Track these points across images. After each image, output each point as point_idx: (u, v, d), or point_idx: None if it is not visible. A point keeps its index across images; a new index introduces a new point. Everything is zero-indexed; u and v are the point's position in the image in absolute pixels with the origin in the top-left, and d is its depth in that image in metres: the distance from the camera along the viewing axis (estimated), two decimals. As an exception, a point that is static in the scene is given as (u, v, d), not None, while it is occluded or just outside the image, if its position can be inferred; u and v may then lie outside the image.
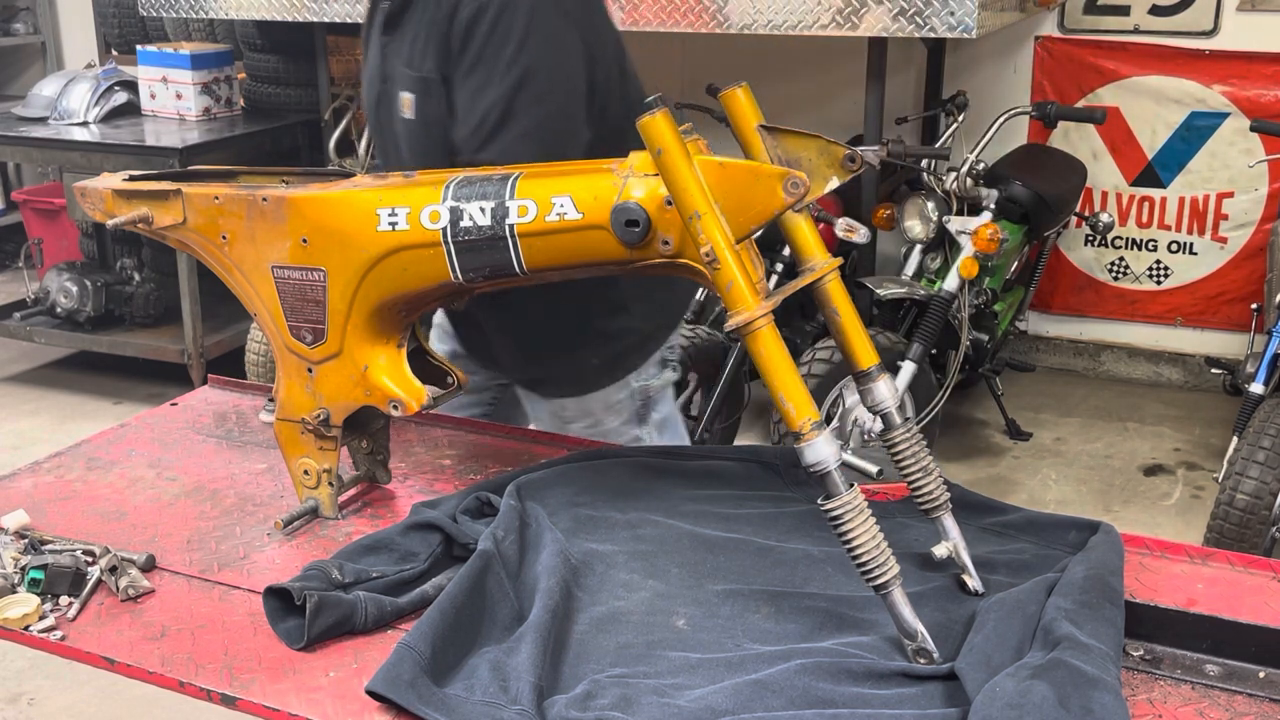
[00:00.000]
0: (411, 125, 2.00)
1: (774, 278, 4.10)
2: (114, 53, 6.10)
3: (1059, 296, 5.30)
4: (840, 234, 3.77)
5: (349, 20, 4.47)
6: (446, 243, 1.54)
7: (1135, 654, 1.41)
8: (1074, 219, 4.96)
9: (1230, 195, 4.94)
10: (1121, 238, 5.14)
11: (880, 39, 3.87)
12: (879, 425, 1.56)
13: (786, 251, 3.96)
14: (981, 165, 4.13)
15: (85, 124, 5.10)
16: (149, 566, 1.63)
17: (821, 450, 1.35)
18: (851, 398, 3.82)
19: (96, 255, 5.30)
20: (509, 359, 2.21)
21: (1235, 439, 3.47)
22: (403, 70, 2.00)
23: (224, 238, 1.71)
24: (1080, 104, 4.98)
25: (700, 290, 4.35)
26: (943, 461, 4.07)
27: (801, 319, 4.47)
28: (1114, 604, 1.40)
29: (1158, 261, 5.13)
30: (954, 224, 4.02)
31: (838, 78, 5.15)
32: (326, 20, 4.48)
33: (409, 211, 1.56)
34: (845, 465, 1.41)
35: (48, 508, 1.81)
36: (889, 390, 1.52)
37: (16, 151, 5.15)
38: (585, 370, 2.15)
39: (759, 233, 1.43)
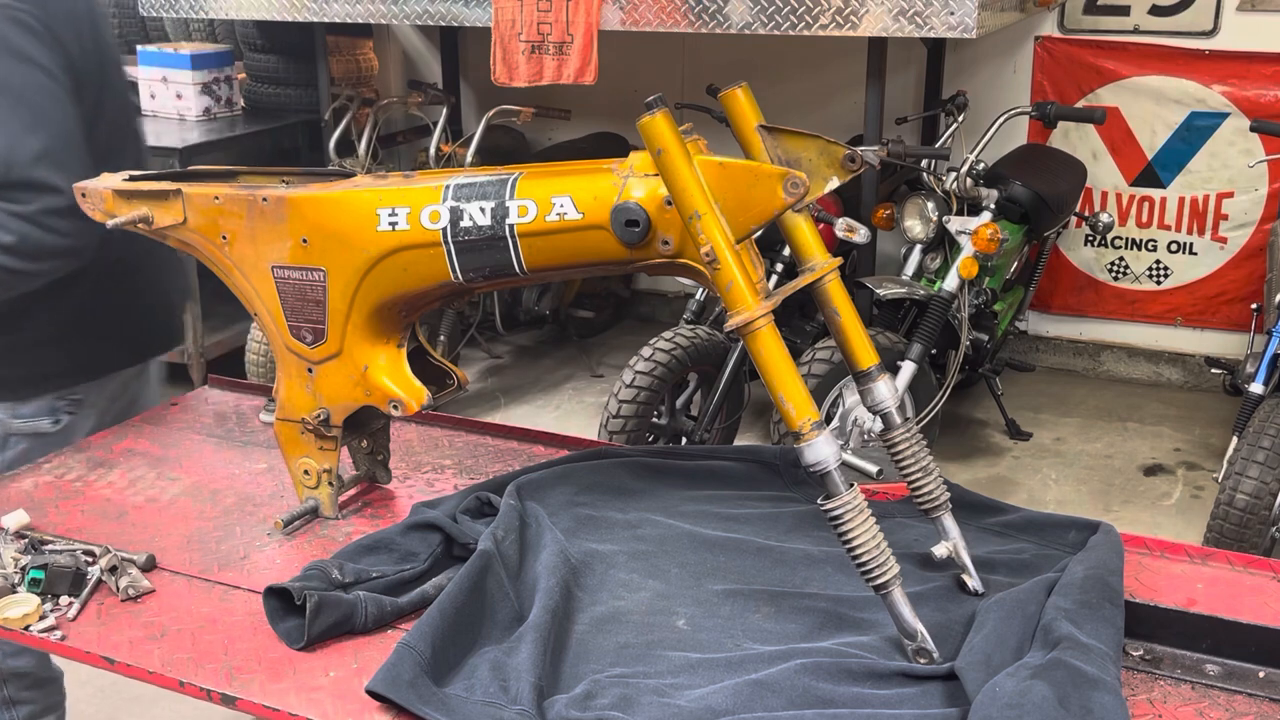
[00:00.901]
0: None
1: (774, 278, 4.10)
2: (114, 53, 6.09)
3: (1059, 296, 5.30)
4: (840, 234, 3.77)
5: (349, 20, 4.47)
6: (446, 243, 1.54)
7: (1135, 654, 1.41)
8: (1074, 219, 4.96)
9: (1230, 195, 4.94)
10: (1121, 238, 5.14)
11: (880, 39, 3.87)
12: (879, 425, 1.56)
13: (786, 251, 3.96)
14: (981, 165, 4.13)
15: (85, 124, 5.09)
16: (149, 566, 1.63)
17: (821, 450, 1.35)
18: (851, 398, 3.82)
19: (96, 255, 5.29)
20: None
21: (1235, 439, 3.48)
22: None
23: (224, 238, 1.71)
24: (1080, 104, 4.98)
25: (702, 289, 4.37)
26: (943, 461, 4.07)
27: (801, 319, 4.47)
28: (1114, 604, 1.40)
29: (1157, 261, 5.13)
30: (954, 224, 4.02)
31: (838, 78, 5.15)
32: (326, 20, 4.48)
33: (409, 211, 1.56)
34: (845, 465, 1.41)
35: (48, 508, 1.81)
36: (889, 390, 1.52)
37: (17, 151, 5.14)
38: None
39: (759, 233, 1.43)
